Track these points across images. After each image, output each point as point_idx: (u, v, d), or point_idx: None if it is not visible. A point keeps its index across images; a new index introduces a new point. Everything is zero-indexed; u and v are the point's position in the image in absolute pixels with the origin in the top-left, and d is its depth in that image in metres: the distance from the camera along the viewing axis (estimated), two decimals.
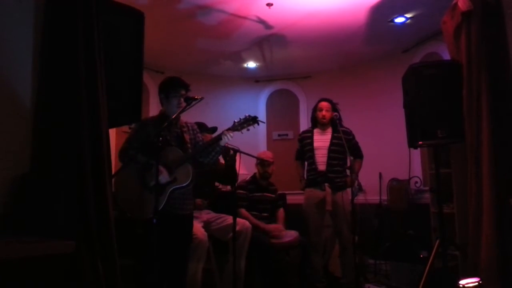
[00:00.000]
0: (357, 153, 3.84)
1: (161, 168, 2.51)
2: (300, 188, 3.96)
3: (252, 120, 2.66)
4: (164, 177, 2.52)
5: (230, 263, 3.35)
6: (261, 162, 4.02)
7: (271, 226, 3.80)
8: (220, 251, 3.54)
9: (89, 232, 1.76)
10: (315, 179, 3.74)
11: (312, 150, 3.78)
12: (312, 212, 3.72)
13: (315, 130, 3.86)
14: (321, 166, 3.71)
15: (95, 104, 1.89)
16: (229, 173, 3.61)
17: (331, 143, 3.73)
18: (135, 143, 2.64)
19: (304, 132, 4.03)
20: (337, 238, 3.85)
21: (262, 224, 3.80)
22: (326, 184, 3.67)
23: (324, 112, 3.78)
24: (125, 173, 2.65)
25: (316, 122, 3.87)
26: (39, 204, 1.72)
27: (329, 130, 3.82)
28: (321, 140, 3.77)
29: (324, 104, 3.82)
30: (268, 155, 4.12)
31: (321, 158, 3.73)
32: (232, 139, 2.65)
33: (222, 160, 3.84)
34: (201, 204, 3.62)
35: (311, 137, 3.84)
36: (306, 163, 3.94)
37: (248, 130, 2.69)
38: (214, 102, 5.57)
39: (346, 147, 3.44)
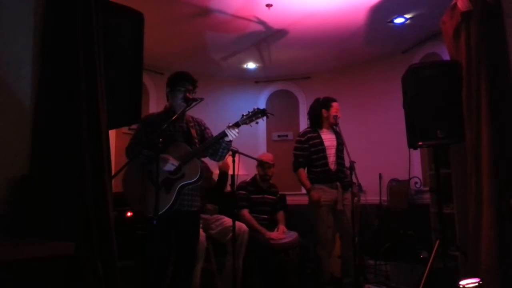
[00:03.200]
0: None
1: (167, 156, 2.50)
2: (312, 199, 3.66)
3: (261, 113, 2.60)
4: (172, 163, 2.50)
5: (228, 264, 3.37)
6: (261, 164, 4.03)
7: (272, 235, 3.80)
8: (219, 252, 3.56)
9: (89, 233, 1.76)
10: (326, 177, 3.66)
11: (324, 150, 3.67)
12: (324, 209, 3.63)
13: (320, 130, 3.74)
14: (332, 165, 3.67)
15: (95, 105, 1.89)
16: (217, 193, 3.66)
17: (337, 143, 3.69)
18: (141, 139, 2.62)
19: (307, 132, 3.81)
20: (342, 237, 3.77)
21: (263, 230, 3.80)
22: (338, 183, 3.62)
23: (339, 114, 3.71)
24: (132, 169, 2.62)
25: (321, 121, 3.74)
26: (39, 205, 1.72)
27: (331, 130, 3.77)
28: (329, 140, 3.68)
29: (338, 105, 3.75)
30: (268, 157, 4.11)
31: (331, 157, 3.68)
32: (236, 136, 2.60)
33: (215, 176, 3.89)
34: (211, 209, 3.63)
35: (319, 137, 3.72)
36: (312, 164, 3.76)
37: (257, 123, 2.64)
38: (214, 103, 5.58)
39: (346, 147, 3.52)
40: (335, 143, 3.69)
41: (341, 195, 3.61)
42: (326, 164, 3.67)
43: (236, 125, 2.58)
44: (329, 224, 3.63)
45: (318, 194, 3.61)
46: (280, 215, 4.14)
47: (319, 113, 3.75)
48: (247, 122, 2.60)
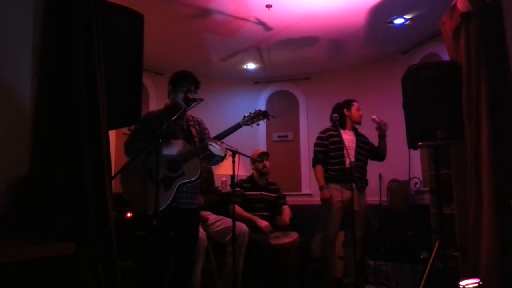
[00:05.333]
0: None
1: (173, 141, 2.52)
2: (322, 197, 3.74)
3: (262, 114, 2.64)
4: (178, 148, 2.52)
5: (229, 264, 3.36)
6: (259, 157, 4.05)
7: (263, 223, 3.77)
8: (219, 253, 3.56)
9: (89, 234, 1.76)
10: (341, 176, 3.64)
11: (342, 148, 3.64)
12: (337, 208, 3.65)
13: (342, 130, 3.72)
14: (349, 165, 3.64)
15: (95, 106, 1.89)
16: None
17: (357, 144, 3.75)
18: (141, 136, 2.60)
19: (328, 130, 3.84)
20: (349, 238, 3.74)
21: (254, 218, 3.78)
22: (353, 183, 3.56)
23: (361, 112, 3.84)
24: (131, 166, 2.58)
25: (343, 122, 3.80)
26: (39, 206, 1.72)
27: (353, 131, 3.85)
28: (349, 140, 3.71)
29: (359, 104, 3.86)
30: (259, 151, 4.17)
31: (350, 158, 3.62)
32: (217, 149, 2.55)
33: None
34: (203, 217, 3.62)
35: (339, 136, 3.67)
36: (329, 162, 3.79)
37: (258, 124, 2.67)
38: (213, 103, 5.57)
39: (369, 150, 3.82)
40: (354, 144, 3.74)
41: (357, 196, 3.57)
42: (343, 163, 3.67)
43: (217, 137, 2.58)
44: (338, 223, 3.67)
45: (330, 193, 3.67)
46: (285, 209, 4.11)
47: (341, 113, 3.78)
48: (249, 123, 2.64)
